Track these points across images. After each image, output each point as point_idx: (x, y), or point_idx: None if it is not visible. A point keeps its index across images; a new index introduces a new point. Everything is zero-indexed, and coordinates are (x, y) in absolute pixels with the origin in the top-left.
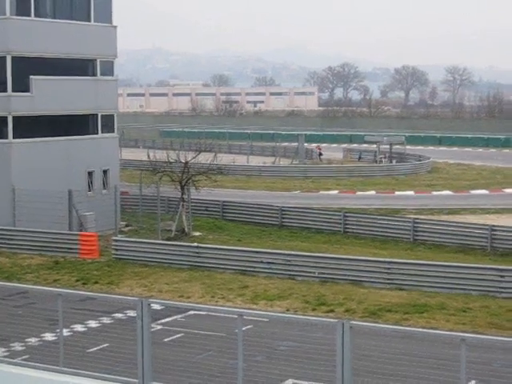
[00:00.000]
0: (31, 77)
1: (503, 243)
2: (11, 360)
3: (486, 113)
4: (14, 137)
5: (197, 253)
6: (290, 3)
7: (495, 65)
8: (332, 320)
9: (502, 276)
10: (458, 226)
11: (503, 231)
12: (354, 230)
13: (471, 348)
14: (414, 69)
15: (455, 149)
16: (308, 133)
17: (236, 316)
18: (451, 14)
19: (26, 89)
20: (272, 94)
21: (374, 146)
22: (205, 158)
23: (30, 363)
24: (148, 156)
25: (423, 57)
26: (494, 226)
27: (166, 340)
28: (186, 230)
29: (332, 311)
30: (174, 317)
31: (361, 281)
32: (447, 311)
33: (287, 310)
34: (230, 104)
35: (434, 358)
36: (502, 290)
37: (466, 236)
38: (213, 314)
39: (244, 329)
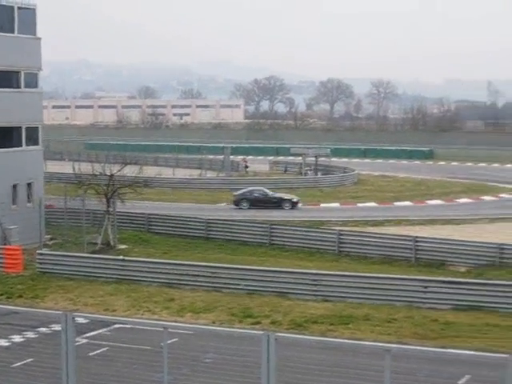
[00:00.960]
0: None
1: (427, 254)
2: None
3: (409, 125)
4: None
5: (122, 266)
6: (216, 16)
7: (419, 78)
8: (257, 332)
9: (425, 287)
10: (382, 238)
11: (427, 242)
12: (280, 242)
13: (395, 358)
14: (339, 82)
15: (380, 161)
16: (234, 145)
17: (161, 329)
18: (375, 27)
19: None
20: (198, 106)
21: (300, 158)
22: (130, 171)
23: None
24: (73, 169)
25: (348, 70)
26: (417, 237)
27: (91, 354)
28: (112, 243)
29: (258, 323)
30: (99, 330)
31: (287, 293)
32: (372, 322)
33: (213, 323)
34: (156, 116)
35: (359, 369)
36: (426, 301)
37: (391, 247)
38: (138, 327)
39: (170, 342)
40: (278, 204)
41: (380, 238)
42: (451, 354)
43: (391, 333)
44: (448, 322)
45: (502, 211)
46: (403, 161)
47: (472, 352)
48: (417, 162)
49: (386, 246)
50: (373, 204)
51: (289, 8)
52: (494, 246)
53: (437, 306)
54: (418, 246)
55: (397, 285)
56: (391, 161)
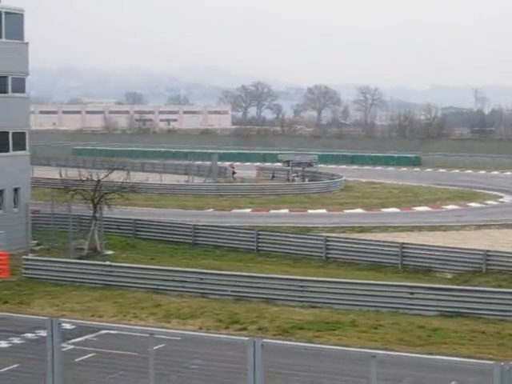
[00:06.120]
0: None
1: (413, 260)
2: None
3: (396, 132)
4: None
5: (109, 271)
6: (202, 22)
7: (405, 84)
8: (244, 338)
9: (412, 293)
10: (369, 244)
11: (413, 249)
12: (268, 248)
13: (382, 364)
14: (326, 88)
15: (367, 167)
16: (221, 151)
17: (147, 335)
18: (361, 34)
19: None
20: (186, 112)
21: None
22: (117, 176)
23: None
24: (60, 174)
25: (335, 76)
26: (404, 243)
27: (77, 360)
28: (99, 248)
29: (245, 329)
30: (86, 336)
31: (273, 299)
32: (359, 328)
33: (200, 329)
34: (144, 122)
35: (345, 375)
36: (413, 307)
37: (378, 254)
38: (125, 333)
39: (156, 348)
40: None
41: (367, 244)
42: (438, 361)
43: (377, 339)
44: (434, 329)
45: (488, 218)
46: (390, 167)
47: (459, 358)
48: (404, 168)
49: (372, 253)
50: (360, 210)
51: (273, 16)
52: (481, 252)
53: (423, 312)
54: (404, 252)
55: (383, 291)
56: (378, 167)
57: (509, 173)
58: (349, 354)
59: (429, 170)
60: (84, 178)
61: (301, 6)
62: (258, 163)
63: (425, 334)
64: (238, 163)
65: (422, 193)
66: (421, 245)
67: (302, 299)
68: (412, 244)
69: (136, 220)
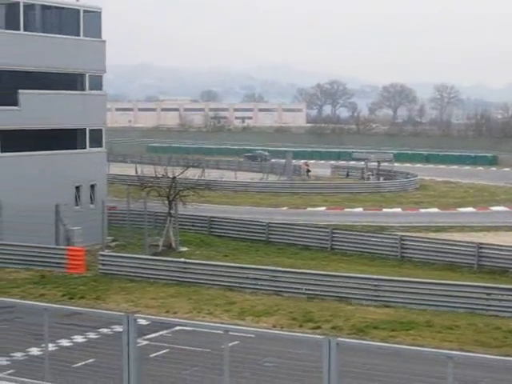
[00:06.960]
0: (19, 91)
1: (490, 261)
2: None
3: (473, 131)
4: (2, 150)
5: (184, 268)
6: (275, 21)
7: (482, 82)
8: (318, 337)
9: (488, 294)
10: (445, 244)
11: (490, 249)
12: (342, 247)
13: (458, 365)
14: (402, 86)
15: (443, 166)
16: (296, 149)
17: (222, 332)
18: (438, 30)
19: (15, 102)
20: (260, 110)
21: (362, 163)
22: (192, 174)
23: (15, 378)
24: (136, 171)
25: (411, 74)
26: (481, 243)
27: (152, 355)
28: (173, 245)
29: (319, 328)
30: (161, 332)
31: (348, 297)
32: (434, 328)
33: (274, 327)
34: (218, 120)
35: (420, 376)
36: (489, 308)
37: (453, 253)
38: (199, 329)
39: (230, 345)
40: None
41: (442, 244)
42: None
43: (453, 340)
44: (511, 330)
45: None
46: (466, 166)
47: None
48: (480, 167)
49: (448, 252)
50: (435, 210)
51: (348, 15)
52: None
53: (500, 313)
54: (481, 252)
55: (459, 291)
56: (454, 166)
57: None
58: (424, 354)
59: (506, 169)
60: (159, 175)
61: (376, 5)
62: (333, 161)
63: (501, 335)
64: (312, 161)
65: (498, 192)
66: (498, 245)
67: (376, 298)
68: (489, 244)
69: (210, 217)
